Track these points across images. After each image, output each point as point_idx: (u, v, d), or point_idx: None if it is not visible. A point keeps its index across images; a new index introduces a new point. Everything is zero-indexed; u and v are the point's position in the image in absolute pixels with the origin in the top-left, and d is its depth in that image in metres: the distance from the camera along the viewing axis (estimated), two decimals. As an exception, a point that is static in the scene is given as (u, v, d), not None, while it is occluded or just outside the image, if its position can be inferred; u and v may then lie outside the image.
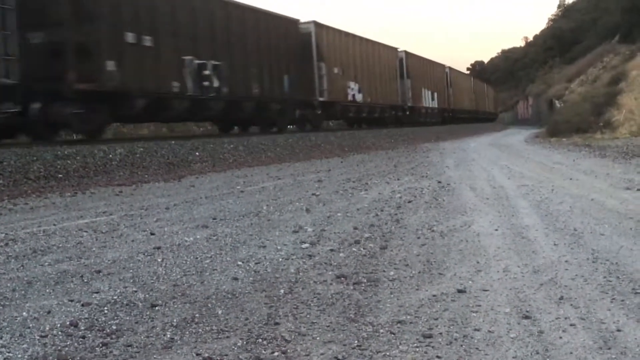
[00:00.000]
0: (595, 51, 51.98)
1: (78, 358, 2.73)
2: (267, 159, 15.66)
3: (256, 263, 4.44)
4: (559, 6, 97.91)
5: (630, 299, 3.46)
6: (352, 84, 29.39)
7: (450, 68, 49.12)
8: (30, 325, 3.15)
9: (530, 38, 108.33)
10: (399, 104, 36.48)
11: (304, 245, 5.04)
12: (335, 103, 27.53)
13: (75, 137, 17.57)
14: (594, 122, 23.93)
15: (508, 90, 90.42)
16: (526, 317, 3.20)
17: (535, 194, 7.92)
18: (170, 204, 7.64)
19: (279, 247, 4.97)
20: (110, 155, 12.06)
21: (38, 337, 2.97)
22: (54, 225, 6.19)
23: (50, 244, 5.23)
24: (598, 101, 25.91)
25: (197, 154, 14.27)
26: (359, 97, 30.13)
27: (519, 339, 2.92)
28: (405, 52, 37.98)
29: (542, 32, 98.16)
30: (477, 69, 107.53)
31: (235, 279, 4.02)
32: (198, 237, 5.44)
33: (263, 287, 3.81)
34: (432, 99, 42.99)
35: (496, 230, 5.59)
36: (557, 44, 78.10)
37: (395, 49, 36.53)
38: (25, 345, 2.87)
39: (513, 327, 3.08)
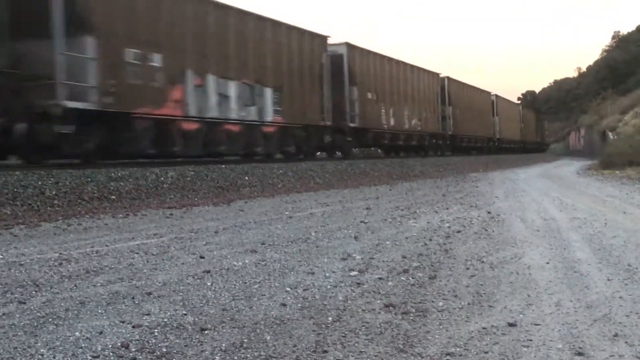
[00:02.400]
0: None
1: (129, 379, 2.75)
2: (315, 185, 15.71)
3: (304, 289, 4.44)
4: (613, 37, 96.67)
5: (687, 338, 3.36)
6: (386, 110, 27.96)
7: (496, 95, 47.90)
8: (83, 345, 3.19)
9: (584, 69, 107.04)
10: (440, 132, 35.18)
11: (352, 273, 5.02)
12: (367, 130, 26.28)
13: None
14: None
15: (560, 121, 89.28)
16: (579, 354, 3.13)
17: (588, 227, 7.78)
18: (220, 228, 7.70)
19: (327, 274, 4.96)
20: (162, 178, 12.23)
21: (90, 358, 3.01)
22: (107, 246, 6.29)
23: (103, 264, 5.31)
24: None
25: (246, 178, 14.38)
26: (393, 124, 28.66)
27: (571, 376, 2.86)
28: (448, 77, 36.81)
29: (596, 62, 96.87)
30: (529, 98, 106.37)
31: (284, 305, 4.02)
32: (247, 261, 5.47)
33: (311, 314, 3.81)
34: (476, 127, 41.75)
35: (547, 263, 5.50)
36: (611, 75, 76.94)
37: (437, 74, 35.22)
38: (77, 365, 2.91)
39: (565, 363, 3.02)
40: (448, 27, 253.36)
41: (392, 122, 28.45)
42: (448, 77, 36.75)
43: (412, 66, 31.86)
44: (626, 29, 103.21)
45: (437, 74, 35.14)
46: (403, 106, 29.80)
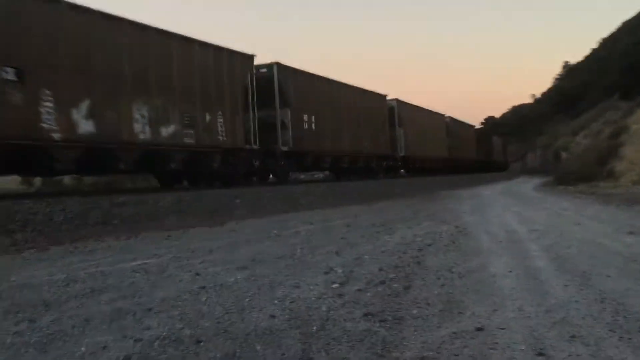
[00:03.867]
0: (597, 107, 51.60)
1: (131, 390, 2.71)
2: (300, 206, 15.66)
3: (291, 302, 4.41)
4: (563, 67, 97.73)
5: (636, 337, 3.37)
6: (327, 132, 24.75)
7: (451, 118, 45.62)
8: (88, 359, 3.15)
9: (538, 95, 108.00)
10: (390, 153, 32.07)
11: (334, 285, 4.99)
12: (305, 153, 23.13)
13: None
14: (597, 171, 23.68)
15: (518, 143, 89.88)
16: (540, 354, 3.13)
17: (546, 239, 7.80)
18: (214, 247, 7.65)
19: (311, 287, 4.93)
20: (160, 203, 12.16)
21: (95, 371, 2.97)
22: (110, 266, 6.23)
23: (107, 283, 5.25)
24: (601, 153, 25.69)
25: (237, 201, 14.32)
26: (335, 146, 25.58)
27: (534, 374, 2.84)
28: (397, 100, 33.48)
29: (549, 90, 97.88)
30: (490, 123, 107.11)
31: (273, 316, 3.99)
32: (239, 277, 5.43)
33: (298, 324, 3.77)
34: (431, 148, 39.04)
35: (510, 272, 5.51)
36: (563, 101, 77.69)
37: (384, 97, 31.77)
38: (83, 378, 2.86)
39: (528, 363, 3.01)
40: (409, 54, 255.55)
41: (333, 144, 25.50)
42: (397, 100, 33.77)
43: (357, 88, 28.57)
44: (575, 59, 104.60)
45: (385, 96, 32.07)
46: (346, 128, 26.83)
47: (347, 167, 27.70)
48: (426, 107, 39.60)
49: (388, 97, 32.55)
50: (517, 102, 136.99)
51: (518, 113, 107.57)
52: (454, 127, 45.88)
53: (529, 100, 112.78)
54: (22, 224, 9.07)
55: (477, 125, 68.50)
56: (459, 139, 47.36)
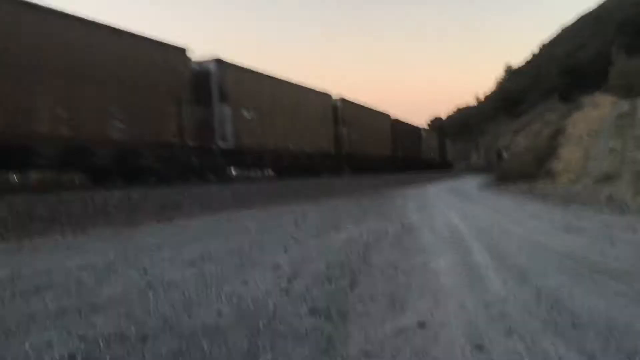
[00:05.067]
0: (537, 108, 52.73)
1: (74, 389, 2.66)
2: (250, 204, 15.58)
3: (238, 298, 4.39)
4: (506, 70, 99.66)
5: (569, 331, 3.45)
6: (268, 130, 23.77)
7: (396, 118, 44.93)
8: (33, 357, 3.07)
9: (481, 97, 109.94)
10: (333, 152, 30.90)
11: (281, 282, 4.99)
12: (244, 150, 21.94)
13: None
14: (537, 171, 24.21)
15: (463, 142, 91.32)
16: (479, 348, 3.18)
17: (487, 236, 7.94)
18: (162, 244, 7.55)
19: (259, 284, 4.92)
20: (109, 200, 11.94)
21: (38, 369, 2.90)
22: (56, 264, 6.09)
23: (53, 281, 5.13)
24: (540, 153, 26.26)
25: (185, 198, 14.17)
26: (277, 144, 24.69)
27: (472, 368, 2.90)
28: (342, 99, 32.50)
29: (493, 92, 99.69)
30: (437, 123, 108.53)
31: (219, 313, 3.96)
32: (186, 274, 5.37)
33: (244, 322, 3.76)
34: (375, 146, 38.23)
35: (452, 269, 5.59)
36: (505, 102, 79.22)
37: (328, 95, 30.95)
38: (26, 377, 2.79)
39: (467, 358, 3.06)
40: (359, 55, 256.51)
41: (275, 142, 24.53)
42: (342, 98, 32.70)
43: (300, 86, 27.84)
44: (516, 62, 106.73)
45: (329, 95, 31.06)
46: (289, 126, 25.91)
47: (289, 166, 26.13)
48: (372, 107, 38.76)
49: (333, 96, 31.85)
50: (461, 104, 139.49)
51: (463, 114, 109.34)
52: (399, 126, 45.41)
53: (473, 102, 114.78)
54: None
55: (424, 126, 69.09)
56: (404, 139, 46.86)
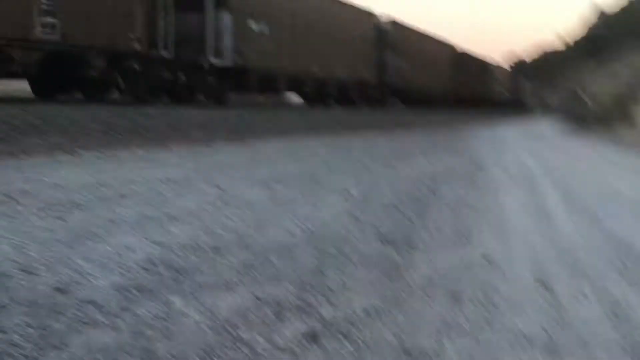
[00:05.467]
0: (627, 54, 50.20)
1: (153, 290, 2.78)
2: (322, 131, 15.60)
3: (309, 221, 4.46)
4: (596, 15, 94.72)
5: (636, 274, 3.38)
6: (284, 47, 18.65)
7: (460, 51, 39.82)
8: (114, 258, 3.22)
9: (565, 38, 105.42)
10: (372, 81, 25.36)
11: (351, 208, 5.03)
12: (248, 70, 17.22)
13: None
14: (619, 116, 23.25)
15: (542, 82, 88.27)
16: (542, 284, 3.16)
17: (561, 179, 7.76)
18: (237, 164, 7.70)
19: (329, 209, 4.97)
20: (190, 118, 12.18)
21: (120, 270, 3.04)
22: (138, 175, 6.30)
23: (134, 190, 5.32)
24: (624, 98, 25.14)
25: (261, 122, 14.30)
26: (297, 66, 19.68)
27: (537, 304, 2.88)
28: (393, 21, 27.20)
29: (577, 34, 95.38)
30: (517, 62, 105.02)
31: (290, 233, 4.04)
32: (260, 194, 5.48)
33: (313, 243, 3.82)
34: (432, 80, 32.33)
35: (521, 207, 5.51)
36: (591, 46, 75.78)
37: (372, 14, 25.47)
38: (109, 276, 2.93)
39: (532, 294, 3.04)
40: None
41: (292, 62, 19.24)
42: (392, 21, 27.25)
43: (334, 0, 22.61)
44: (606, 5, 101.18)
45: (371, 14, 25.32)
46: (313, 45, 20.38)
47: (312, 93, 21.66)
48: (429, 34, 32.79)
49: (381, 17, 26.49)
50: (542, 42, 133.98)
51: (546, 56, 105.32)
52: (463, 59, 39.53)
53: (556, 42, 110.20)
54: (54, 128, 9.15)
55: (498, 63, 66.61)
56: (469, 73, 40.31)
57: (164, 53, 14.20)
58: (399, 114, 25.69)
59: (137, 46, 13.36)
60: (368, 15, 25.52)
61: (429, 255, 3.67)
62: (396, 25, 28.05)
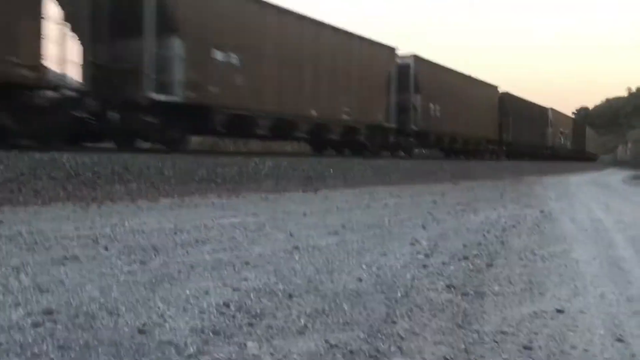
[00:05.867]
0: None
1: (229, 333, 2.81)
2: (389, 180, 15.59)
3: (378, 268, 4.43)
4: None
5: None
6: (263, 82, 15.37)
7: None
8: (192, 302, 3.28)
9: (634, 89, 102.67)
10: (386, 125, 21.54)
11: (419, 256, 4.98)
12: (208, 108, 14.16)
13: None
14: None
15: (609, 135, 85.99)
16: (620, 340, 3.02)
17: (632, 230, 7.46)
18: (307, 212, 7.76)
19: (397, 256, 4.93)
20: (260, 167, 12.40)
21: (198, 312, 3.09)
22: (213, 221, 6.43)
23: (209, 236, 5.43)
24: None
25: (331, 170, 14.42)
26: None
27: (612, 359, 2.76)
28: (415, 56, 23.88)
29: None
30: (582, 114, 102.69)
31: (360, 279, 4.02)
32: (329, 241, 5.49)
33: (383, 290, 3.79)
34: (472, 126, 29.24)
35: (594, 259, 5.32)
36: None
37: (386, 47, 21.53)
38: (187, 318, 2.99)
39: (607, 348, 2.91)
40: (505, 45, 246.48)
41: (281, 102, 16.43)
42: (415, 56, 24.15)
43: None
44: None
45: (388, 47, 22.00)
46: (308, 82, 17.61)
47: (310, 138, 19.51)
48: (464, 73, 29.33)
49: (400, 52, 22.98)
50: (611, 95, 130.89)
51: (612, 106, 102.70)
52: (511, 103, 35.55)
53: (624, 93, 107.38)
54: (137, 176, 9.47)
55: (569, 115, 65.36)
56: (519, 119, 36.35)
57: (81, 86, 11.93)
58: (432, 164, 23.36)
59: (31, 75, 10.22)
60: (381, 49, 21.71)
61: (500, 306, 3.57)
62: (419, 60, 24.39)
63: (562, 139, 47.72)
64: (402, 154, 24.01)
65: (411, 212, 8.31)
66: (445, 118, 25.33)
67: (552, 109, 43.85)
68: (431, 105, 24.21)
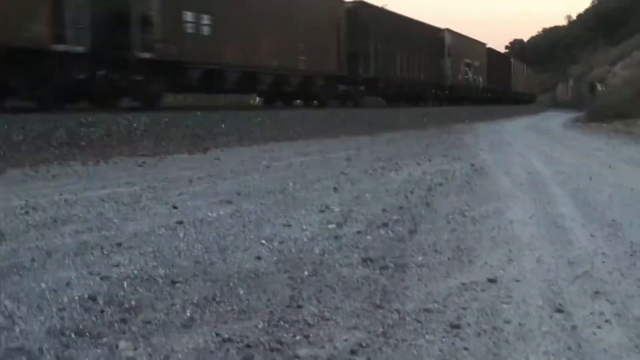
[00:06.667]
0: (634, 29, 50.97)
1: (96, 333, 2.74)
2: (294, 134, 15.61)
3: (280, 242, 4.44)
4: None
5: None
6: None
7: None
8: (48, 297, 3.18)
9: (574, 17, 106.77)
10: (339, 73, 24.91)
11: (330, 226, 5.02)
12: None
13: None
14: (637, 107, 23.58)
15: (547, 72, 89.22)
16: (559, 311, 3.16)
17: (573, 182, 7.83)
18: (194, 178, 7.66)
19: (304, 227, 4.96)
20: (135, 125, 12.10)
21: (56, 310, 3.00)
22: (76, 194, 6.23)
23: (71, 213, 5.27)
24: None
25: (223, 126, 14.27)
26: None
27: (551, 333, 2.88)
28: (362, 2, 27.33)
29: (587, 11, 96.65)
30: (517, 47, 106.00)
31: (259, 258, 4.02)
32: (221, 212, 5.45)
33: (286, 268, 3.81)
34: (416, 70, 33.35)
35: (530, 218, 5.54)
36: (602, 24, 76.75)
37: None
38: (42, 318, 2.89)
39: (545, 320, 3.05)
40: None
41: (247, 57, 19.70)
42: (362, 2, 27.49)
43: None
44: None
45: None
46: (269, 36, 20.45)
47: (270, 91, 23.27)
48: (412, 17, 33.64)
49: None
50: (549, 24, 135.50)
51: (549, 37, 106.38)
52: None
53: (563, 22, 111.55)
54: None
55: (499, 49, 67.32)
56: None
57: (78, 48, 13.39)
58: (380, 113, 26.08)
59: (38, 40, 12.48)
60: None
61: (424, 280, 3.67)
62: (369, 7, 28.16)
63: (469, 75, 44.05)
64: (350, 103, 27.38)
65: (320, 173, 8.37)
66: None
67: (449, 31, 39.63)
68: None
